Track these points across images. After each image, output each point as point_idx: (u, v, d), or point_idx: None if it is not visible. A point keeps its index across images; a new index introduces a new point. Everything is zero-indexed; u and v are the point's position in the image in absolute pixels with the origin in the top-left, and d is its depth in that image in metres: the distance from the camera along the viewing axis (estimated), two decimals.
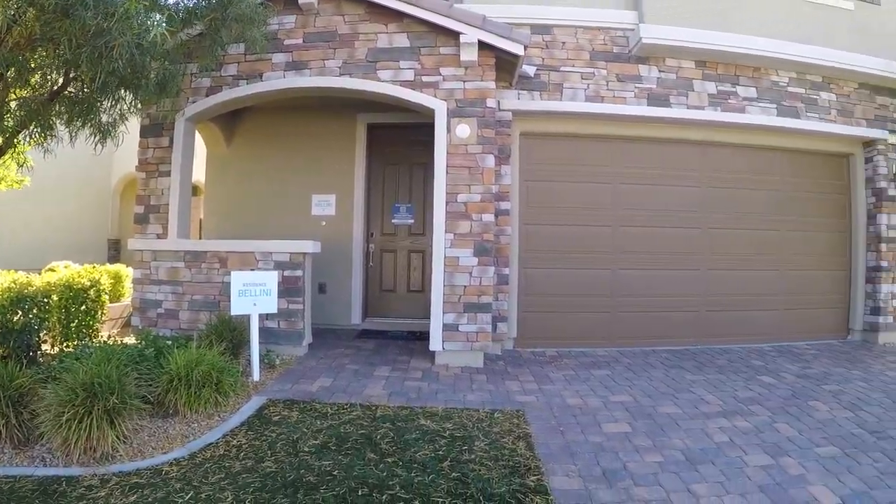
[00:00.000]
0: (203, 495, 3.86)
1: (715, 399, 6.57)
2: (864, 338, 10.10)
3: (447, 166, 7.54)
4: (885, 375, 7.77)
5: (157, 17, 5.53)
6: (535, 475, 4.39)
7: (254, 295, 6.62)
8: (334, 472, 4.21)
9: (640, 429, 5.57)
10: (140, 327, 7.59)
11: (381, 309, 10.10)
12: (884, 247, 9.85)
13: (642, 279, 9.14)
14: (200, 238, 10.48)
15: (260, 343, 6.74)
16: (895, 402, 6.65)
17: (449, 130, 7.55)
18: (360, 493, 3.91)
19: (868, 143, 10.06)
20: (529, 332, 8.75)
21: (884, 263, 9.84)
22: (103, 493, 3.85)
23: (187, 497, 3.83)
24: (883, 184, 9.89)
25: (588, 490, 4.32)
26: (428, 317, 7.59)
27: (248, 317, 6.67)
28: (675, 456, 5.02)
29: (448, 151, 7.55)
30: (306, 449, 4.62)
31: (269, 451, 4.58)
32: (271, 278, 6.76)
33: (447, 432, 5.09)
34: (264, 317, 7.22)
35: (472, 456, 4.63)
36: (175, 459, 4.43)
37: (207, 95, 7.83)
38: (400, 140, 10.09)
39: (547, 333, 8.80)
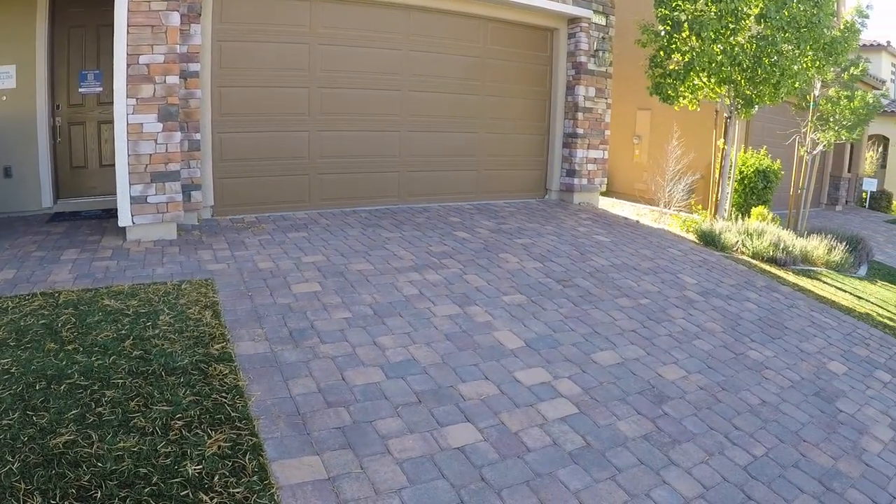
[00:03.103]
0: None
1: (408, 254, 7.06)
2: (560, 197, 11.43)
3: (128, 25, 7.00)
4: (575, 231, 8.78)
5: None
6: (219, 343, 4.60)
7: None
8: (12, 370, 4.08)
9: (331, 287, 5.90)
10: None
11: (74, 188, 9.36)
12: (580, 115, 10.97)
13: (342, 141, 9.35)
14: None
15: None
16: (582, 255, 7.58)
17: None
18: (37, 388, 3.87)
19: (573, 21, 10.92)
20: (228, 200, 8.63)
21: (580, 131, 11.00)
22: None
23: None
24: (583, 59, 10.89)
25: (274, 352, 4.61)
26: None
27: None
28: (363, 311, 5.43)
29: (129, 9, 6.97)
30: None
31: None
32: None
33: (131, 310, 5.09)
34: None
35: (156, 331, 4.72)
36: None
37: None
38: None
39: (246, 199, 8.74)
